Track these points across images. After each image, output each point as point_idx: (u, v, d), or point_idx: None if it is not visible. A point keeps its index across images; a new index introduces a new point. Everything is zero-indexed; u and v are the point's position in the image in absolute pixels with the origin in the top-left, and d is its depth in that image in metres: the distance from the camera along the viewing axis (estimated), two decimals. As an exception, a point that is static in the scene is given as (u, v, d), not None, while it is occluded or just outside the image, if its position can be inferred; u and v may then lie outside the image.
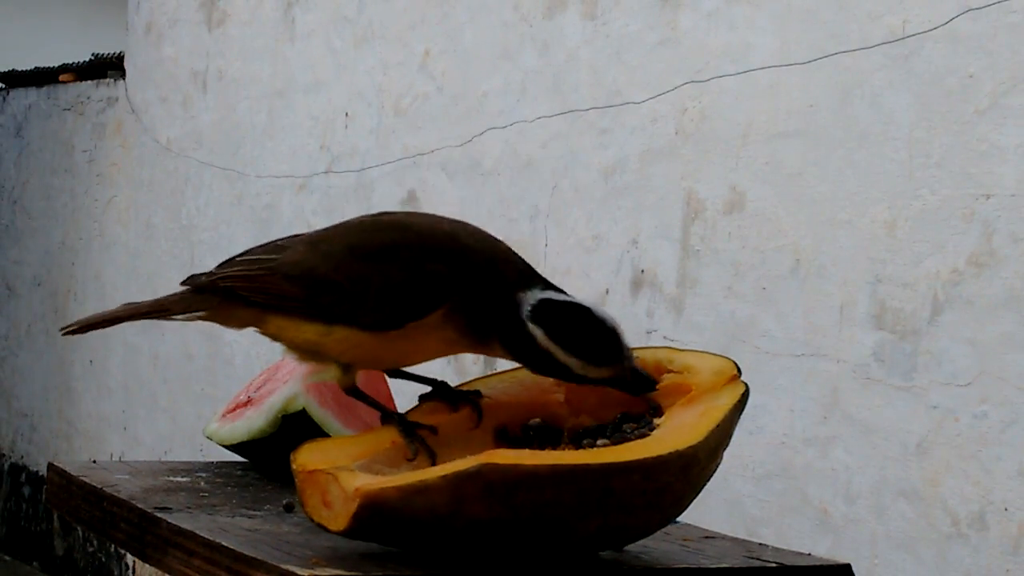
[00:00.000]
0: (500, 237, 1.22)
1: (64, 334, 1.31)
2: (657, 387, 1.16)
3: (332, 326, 1.19)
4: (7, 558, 4.96)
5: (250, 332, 1.27)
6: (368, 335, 1.18)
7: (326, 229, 1.25)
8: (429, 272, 1.16)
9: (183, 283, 1.27)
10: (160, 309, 1.26)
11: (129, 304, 1.29)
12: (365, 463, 1.12)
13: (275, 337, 1.23)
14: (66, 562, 4.65)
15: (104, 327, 1.29)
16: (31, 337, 4.94)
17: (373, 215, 1.26)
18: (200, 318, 1.26)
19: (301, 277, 1.20)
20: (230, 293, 1.23)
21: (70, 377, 4.67)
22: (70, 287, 4.69)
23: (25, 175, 5.01)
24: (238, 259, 1.25)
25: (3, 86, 5.18)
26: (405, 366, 1.24)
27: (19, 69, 5.12)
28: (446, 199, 3.06)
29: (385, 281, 1.17)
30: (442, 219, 1.23)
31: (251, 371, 3.58)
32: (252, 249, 1.27)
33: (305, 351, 1.22)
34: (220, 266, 1.26)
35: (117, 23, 5.15)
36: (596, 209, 2.70)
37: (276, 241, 1.26)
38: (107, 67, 4.53)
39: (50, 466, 1.43)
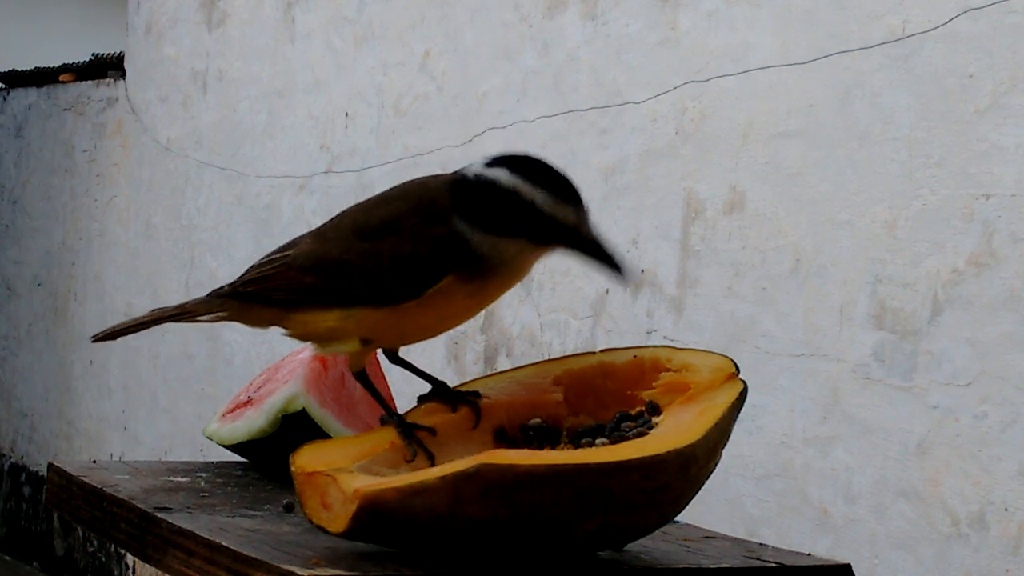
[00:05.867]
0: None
1: (95, 341, 1.33)
2: (623, 273, 1.14)
3: (351, 309, 1.20)
4: (7, 558, 4.96)
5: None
6: (388, 312, 1.19)
7: (331, 219, 1.26)
8: (436, 236, 1.16)
9: (207, 295, 1.29)
10: (184, 312, 1.29)
11: (156, 309, 1.32)
12: (364, 465, 1.12)
13: (300, 332, 1.24)
14: (66, 562, 4.65)
15: (133, 332, 1.31)
16: (31, 337, 4.94)
17: (370, 197, 1.27)
18: (223, 319, 1.29)
19: (315, 266, 1.21)
20: (251, 296, 1.25)
21: (70, 377, 4.67)
22: (70, 287, 4.69)
23: (25, 175, 5.01)
24: (255, 265, 1.27)
25: (3, 86, 5.18)
26: (425, 338, 1.23)
27: (19, 69, 5.12)
28: (446, 199, 3.06)
29: (396, 253, 1.17)
30: (426, 180, 1.23)
31: (251, 371, 3.58)
32: (268, 253, 1.28)
33: (329, 339, 1.23)
34: (241, 275, 1.28)
35: (117, 23, 5.15)
36: (596, 209, 2.69)
37: (288, 242, 1.28)
38: (107, 67, 4.53)
39: (50, 466, 1.43)
